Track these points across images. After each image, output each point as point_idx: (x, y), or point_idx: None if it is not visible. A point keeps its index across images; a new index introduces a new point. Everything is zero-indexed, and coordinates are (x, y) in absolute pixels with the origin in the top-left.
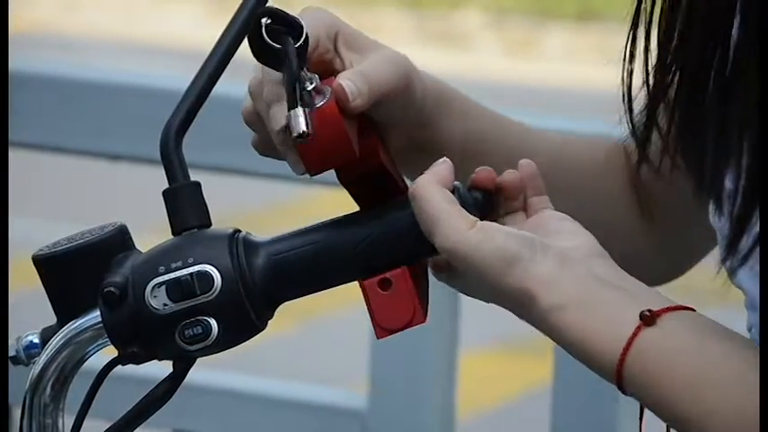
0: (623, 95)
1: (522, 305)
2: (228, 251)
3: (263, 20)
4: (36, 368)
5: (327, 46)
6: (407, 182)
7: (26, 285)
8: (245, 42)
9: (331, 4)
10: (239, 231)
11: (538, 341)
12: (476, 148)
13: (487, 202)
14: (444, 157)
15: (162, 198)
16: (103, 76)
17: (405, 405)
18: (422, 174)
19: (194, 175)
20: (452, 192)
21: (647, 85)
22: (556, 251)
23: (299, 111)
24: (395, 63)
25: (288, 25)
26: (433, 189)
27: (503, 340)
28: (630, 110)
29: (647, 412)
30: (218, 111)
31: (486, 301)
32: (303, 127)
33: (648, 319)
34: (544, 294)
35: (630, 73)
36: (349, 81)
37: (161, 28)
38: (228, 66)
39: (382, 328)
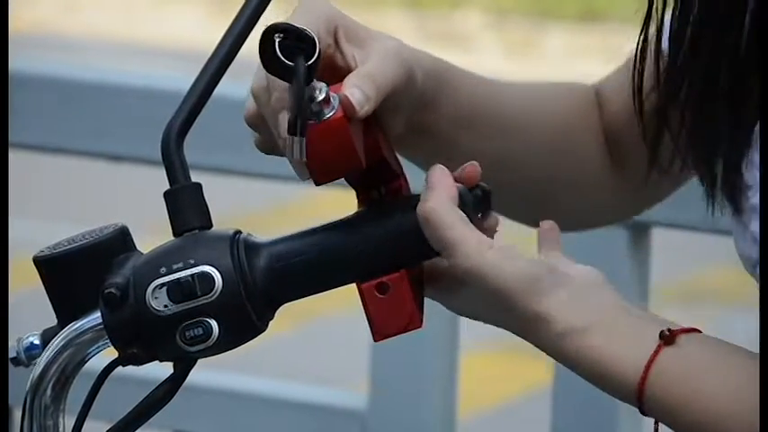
0: (633, 96)
1: (538, 326)
2: (229, 252)
3: (276, 36)
4: (37, 369)
5: (328, 41)
6: (411, 182)
7: (26, 286)
8: (247, 43)
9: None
10: (240, 232)
11: None
12: (468, 120)
13: (487, 199)
14: (439, 165)
15: (163, 199)
16: (104, 76)
17: (405, 405)
18: (425, 178)
19: (195, 176)
20: None
21: (659, 87)
22: (574, 277)
23: (297, 140)
24: (397, 56)
25: (300, 40)
26: (445, 212)
27: (503, 341)
28: (641, 111)
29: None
30: (219, 112)
31: (484, 322)
32: (298, 156)
33: (669, 338)
34: (562, 317)
35: (641, 73)
36: (356, 89)
37: (162, 29)
38: (230, 67)
39: (379, 333)
